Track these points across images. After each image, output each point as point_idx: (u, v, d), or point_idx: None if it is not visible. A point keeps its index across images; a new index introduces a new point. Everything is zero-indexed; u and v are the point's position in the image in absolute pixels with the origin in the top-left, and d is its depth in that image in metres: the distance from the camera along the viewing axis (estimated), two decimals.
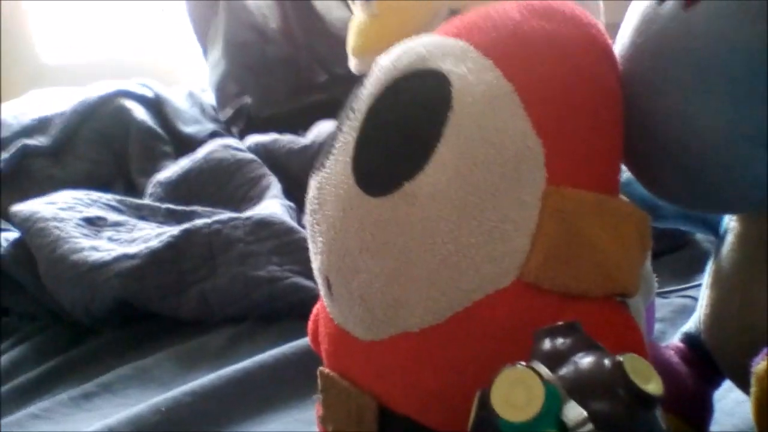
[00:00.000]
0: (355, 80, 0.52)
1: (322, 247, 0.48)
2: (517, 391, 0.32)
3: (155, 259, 0.93)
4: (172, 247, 0.94)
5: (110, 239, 1.01)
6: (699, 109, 0.43)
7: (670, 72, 0.44)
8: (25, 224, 1.01)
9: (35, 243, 0.98)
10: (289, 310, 0.88)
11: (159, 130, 1.44)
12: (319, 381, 0.50)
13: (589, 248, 0.41)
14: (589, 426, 0.31)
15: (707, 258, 0.53)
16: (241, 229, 0.95)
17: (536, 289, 0.41)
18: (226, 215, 0.99)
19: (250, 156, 1.21)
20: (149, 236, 0.99)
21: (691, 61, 0.43)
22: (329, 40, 1.49)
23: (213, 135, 1.44)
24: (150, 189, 1.22)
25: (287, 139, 1.25)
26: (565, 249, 0.41)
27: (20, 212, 1.03)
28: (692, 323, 0.54)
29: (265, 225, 0.96)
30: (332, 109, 0.59)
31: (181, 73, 1.95)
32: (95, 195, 1.11)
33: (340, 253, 0.47)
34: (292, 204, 1.08)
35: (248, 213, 1.00)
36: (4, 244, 1.03)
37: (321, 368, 0.50)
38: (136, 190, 1.32)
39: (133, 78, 1.56)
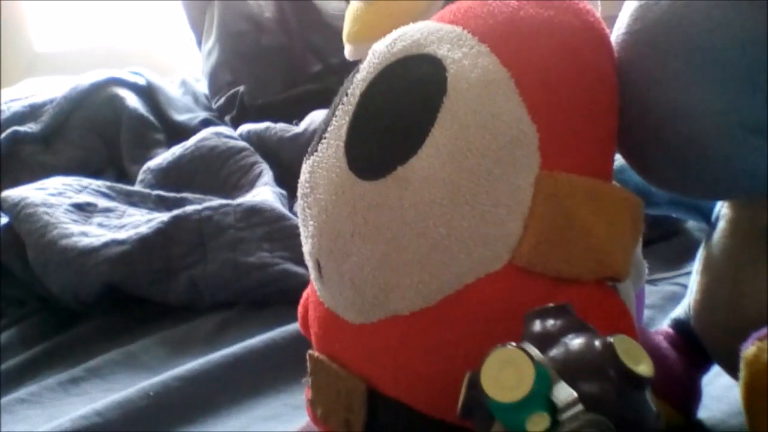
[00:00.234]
0: (350, 70, 0.52)
1: (313, 230, 0.48)
2: (507, 372, 0.32)
3: (145, 244, 0.92)
4: (161, 232, 0.94)
5: (100, 225, 1.00)
6: (693, 96, 0.43)
7: (665, 59, 0.44)
8: (14, 209, 1.00)
9: (24, 228, 0.97)
10: (279, 296, 0.88)
11: (151, 118, 1.43)
12: (308, 364, 0.50)
13: (582, 232, 0.41)
14: (579, 407, 0.31)
15: (698, 246, 0.53)
16: (232, 215, 0.95)
17: (528, 272, 0.41)
18: (216, 202, 0.99)
19: (242, 144, 1.21)
20: (139, 222, 0.98)
21: (687, 49, 0.43)
22: (324, 30, 1.49)
23: (205, 123, 1.43)
24: (141, 176, 1.21)
25: (279, 127, 1.25)
26: (557, 233, 0.41)
27: (9, 197, 1.03)
28: (682, 309, 0.55)
29: (255, 212, 0.96)
30: (326, 98, 0.59)
31: (175, 62, 1.95)
32: (85, 181, 1.11)
33: (332, 236, 0.46)
34: (283, 191, 1.08)
35: (239, 200, 1.00)
36: None
37: (310, 351, 0.50)
38: (127, 178, 1.32)
39: (128, 67, 1.55)
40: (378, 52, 0.49)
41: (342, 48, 0.69)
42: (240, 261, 0.90)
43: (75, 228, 0.97)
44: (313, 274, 0.50)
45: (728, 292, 0.48)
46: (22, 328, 0.96)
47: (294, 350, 0.68)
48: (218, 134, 1.24)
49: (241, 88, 1.47)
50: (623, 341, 0.32)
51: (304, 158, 0.51)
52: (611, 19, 0.49)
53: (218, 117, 1.49)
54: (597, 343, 0.32)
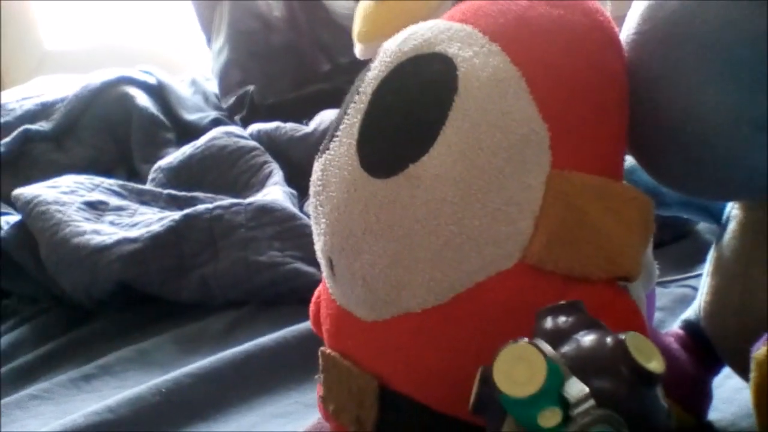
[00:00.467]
0: (359, 70, 0.52)
1: (326, 228, 0.49)
2: (519, 368, 0.32)
3: (156, 243, 0.93)
4: (173, 231, 0.94)
5: (112, 223, 1.01)
6: (704, 95, 0.43)
7: (675, 58, 0.44)
8: (27, 207, 1.01)
9: (37, 226, 0.98)
10: (289, 295, 0.88)
11: (161, 117, 1.44)
12: (320, 361, 0.51)
13: (593, 231, 0.41)
14: (591, 402, 0.31)
15: (708, 248, 0.53)
16: (243, 214, 0.95)
17: (539, 271, 0.41)
18: (227, 201, 0.99)
19: (253, 143, 1.21)
20: (150, 221, 0.99)
21: (697, 48, 0.43)
22: (333, 29, 1.49)
23: (215, 122, 1.44)
24: (152, 175, 1.22)
25: (289, 126, 1.25)
26: (568, 232, 0.41)
27: (22, 195, 1.03)
28: (692, 311, 0.55)
29: (266, 211, 0.96)
30: (335, 98, 0.59)
31: (185, 61, 1.95)
32: (97, 180, 1.11)
33: (344, 234, 0.47)
34: (293, 191, 1.08)
35: (250, 199, 1.01)
36: (5, 227, 1.03)
37: (322, 348, 0.51)
38: (138, 177, 1.33)
39: (137, 65, 1.56)
40: (389, 51, 0.49)
41: (351, 47, 0.69)
42: (251, 260, 0.90)
43: (87, 226, 0.97)
44: (325, 272, 0.51)
45: (739, 294, 0.48)
46: (34, 325, 0.97)
47: (305, 348, 0.69)
48: (229, 134, 1.24)
49: (251, 88, 1.48)
50: (635, 338, 0.32)
51: (316, 156, 0.51)
52: (620, 20, 0.49)
53: (228, 116, 1.49)
54: (609, 339, 0.33)
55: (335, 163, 0.49)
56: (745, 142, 0.43)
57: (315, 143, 1.19)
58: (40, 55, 2.13)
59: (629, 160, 0.50)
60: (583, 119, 0.43)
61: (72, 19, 2.18)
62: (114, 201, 1.07)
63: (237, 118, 1.48)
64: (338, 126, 0.50)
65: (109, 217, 1.03)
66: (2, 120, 1.43)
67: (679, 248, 0.85)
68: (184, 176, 1.19)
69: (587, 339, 0.33)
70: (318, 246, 0.51)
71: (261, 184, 1.12)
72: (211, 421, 0.67)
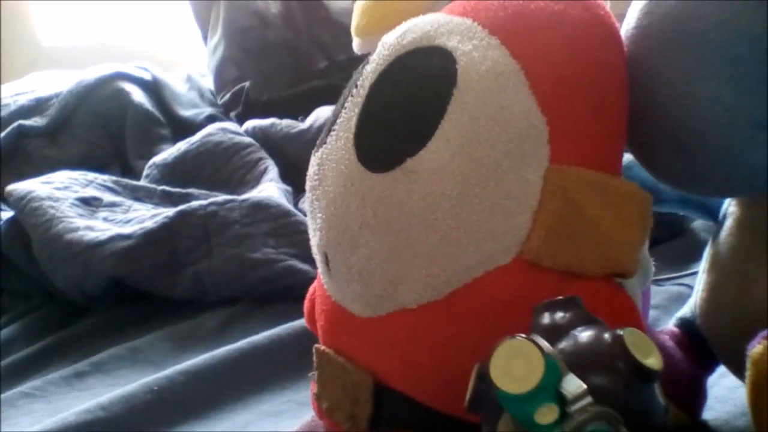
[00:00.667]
0: (356, 67, 0.52)
1: (322, 222, 0.48)
2: (516, 363, 0.32)
3: (150, 239, 0.92)
4: (167, 227, 0.94)
5: (105, 219, 1.00)
6: (702, 92, 0.43)
7: (674, 55, 0.44)
8: (20, 203, 1.00)
9: (30, 222, 0.97)
10: (283, 292, 0.88)
11: (156, 113, 1.43)
12: (314, 358, 0.50)
13: (591, 227, 0.41)
14: (588, 399, 0.31)
15: (704, 247, 0.53)
16: (237, 211, 0.95)
17: (536, 266, 0.41)
18: (222, 197, 0.99)
19: (248, 140, 1.21)
20: (144, 217, 0.99)
21: (696, 45, 0.43)
22: (330, 26, 1.49)
23: (211, 119, 1.43)
24: (146, 171, 1.22)
25: (285, 123, 1.25)
26: (566, 227, 0.41)
27: (15, 191, 1.03)
28: (688, 308, 0.54)
29: (261, 208, 0.96)
30: (332, 95, 0.59)
31: (181, 57, 1.95)
32: (91, 175, 1.11)
33: (340, 228, 0.46)
34: (288, 188, 1.08)
35: (245, 196, 1.00)
36: None
37: (317, 345, 0.50)
38: (132, 173, 1.32)
39: (133, 62, 1.55)
40: (388, 44, 0.49)
41: (348, 44, 0.69)
42: (245, 257, 0.90)
43: (80, 222, 0.97)
44: (320, 267, 0.50)
45: (735, 291, 0.48)
46: (26, 322, 0.96)
47: (299, 346, 0.68)
48: (224, 130, 1.24)
49: (247, 84, 1.47)
50: (632, 334, 0.32)
51: (313, 151, 0.51)
52: (621, 18, 0.49)
53: (224, 113, 1.49)
54: (606, 335, 0.32)
55: (332, 157, 0.48)
56: (742, 140, 0.42)
57: (310, 140, 1.19)
58: (36, 51, 2.12)
59: (627, 156, 0.50)
60: (582, 114, 0.43)
61: (68, 15, 2.17)
62: (108, 197, 1.06)
63: (232, 114, 1.47)
64: (335, 120, 0.49)
65: (103, 213, 1.02)
66: None
67: (674, 246, 0.85)
68: (179, 172, 1.19)
69: (585, 335, 0.33)
70: (314, 241, 0.50)
71: (256, 181, 1.11)
72: (204, 420, 0.67)
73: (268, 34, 1.51)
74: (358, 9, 0.69)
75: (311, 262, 0.52)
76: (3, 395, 0.76)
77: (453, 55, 0.44)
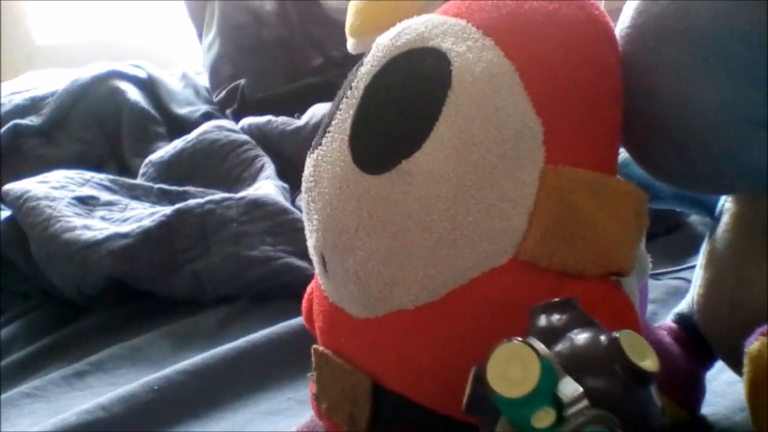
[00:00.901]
0: (351, 64, 0.52)
1: (318, 224, 0.48)
2: (512, 367, 0.32)
3: (148, 238, 0.92)
4: (164, 226, 0.94)
5: (102, 218, 1.00)
6: (698, 90, 0.43)
7: (669, 53, 0.44)
8: (17, 203, 1.00)
9: (27, 222, 0.97)
10: (281, 290, 0.88)
11: (152, 111, 1.43)
12: (313, 359, 0.50)
13: (587, 227, 0.41)
14: (585, 402, 0.31)
15: (701, 240, 0.53)
16: (235, 209, 0.95)
17: (533, 267, 0.41)
18: (219, 195, 0.99)
19: (244, 137, 1.21)
20: (142, 216, 0.98)
21: (691, 43, 0.43)
22: (325, 23, 1.49)
23: (206, 116, 1.43)
24: (143, 169, 1.21)
25: (281, 120, 1.24)
26: (562, 227, 0.41)
27: (12, 191, 1.03)
28: (685, 304, 0.55)
29: (258, 205, 0.96)
30: (327, 92, 0.59)
31: (177, 55, 1.94)
32: (88, 174, 1.11)
33: (336, 230, 0.46)
34: (285, 185, 1.08)
35: (242, 193, 1.00)
36: None
37: (315, 346, 0.50)
38: (128, 171, 1.32)
39: (129, 60, 1.55)
40: (382, 45, 0.49)
41: (343, 41, 0.69)
42: (243, 255, 0.90)
43: (78, 221, 0.97)
44: (317, 269, 0.50)
45: (732, 287, 0.48)
46: (25, 321, 0.96)
47: (297, 345, 0.68)
48: (220, 127, 1.23)
49: (242, 82, 1.47)
50: (629, 336, 0.32)
51: (308, 152, 0.51)
52: (617, 12, 0.49)
53: (219, 110, 1.49)
54: (602, 338, 0.32)
55: (327, 159, 0.48)
56: (738, 138, 0.42)
57: (307, 137, 1.19)
58: (31, 49, 2.11)
59: (622, 154, 0.50)
60: (577, 114, 0.43)
61: (63, 13, 2.17)
62: (105, 196, 1.06)
63: (228, 111, 1.47)
64: (330, 121, 0.49)
65: (100, 212, 1.02)
66: None
67: (671, 240, 0.85)
68: (175, 170, 1.18)
69: (581, 337, 0.33)
70: (310, 243, 0.50)
71: (252, 178, 1.11)
72: (204, 419, 0.67)
73: (263, 32, 1.50)
74: (352, 9, 0.69)
75: (309, 259, 0.52)
76: (3, 395, 0.76)
77: (447, 57, 0.44)
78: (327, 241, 0.47)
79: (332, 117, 0.49)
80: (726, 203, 0.50)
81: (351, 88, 0.49)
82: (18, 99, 1.46)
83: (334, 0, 1.51)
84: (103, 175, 1.12)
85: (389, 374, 0.45)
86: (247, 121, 1.28)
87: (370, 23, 0.68)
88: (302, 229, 0.52)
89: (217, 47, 1.54)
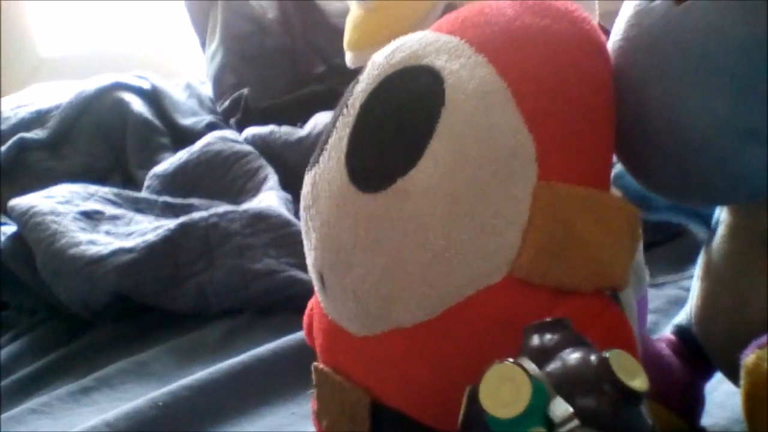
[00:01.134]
0: (353, 72, 0.52)
1: (316, 242, 0.49)
2: (504, 388, 0.32)
3: (152, 252, 0.93)
4: (168, 240, 0.94)
5: (107, 233, 1.01)
6: (690, 102, 0.43)
7: (662, 66, 0.44)
8: (23, 218, 1.01)
9: (33, 237, 0.98)
10: (285, 302, 0.88)
11: (156, 122, 1.44)
12: (313, 376, 0.51)
13: (580, 243, 0.41)
14: (575, 422, 0.31)
15: (701, 249, 0.53)
16: (238, 222, 0.96)
17: (527, 284, 0.41)
18: (222, 208, 0.99)
19: (248, 148, 1.21)
20: (146, 229, 0.99)
21: (683, 56, 0.43)
22: (327, 31, 1.49)
23: (210, 127, 1.43)
24: (147, 182, 1.22)
25: (284, 130, 1.25)
26: (555, 244, 0.41)
27: (17, 206, 1.04)
28: (684, 315, 0.55)
29: (261, 218, 0.96)
30: (330, 100, 0.59)
31: (180, 65, 1.95)
32: (92, 188, 1.12)
33: (334, 248, 0.47)
34: (288, 196, 1.08)
35: (245, 206, 1.01)
36: (2, 238, 1.03)
37: (315, 363, 0.51)
38: (133, 182, 1.33)
39: (133, 71, 1.55)
40: (377, 63, 0.49)
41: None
42: (247, 268, 0.90)
43: (83, 236, 0.97)
44: (316, 286, 0.51)
45: (729, 299, 0.48)
46: (32, 337, 0.97)
47: (301, 359, 0.68)
48: (224, 138, 1.24)
49: (245, 91, 1.48)
50: (619, 356, 0.32)
51: (306, 169, 0.51)
52: (612, 15, 0.49)
53: (223, 120, 1.49)
54: (593, 358, 0.33)
55: (324, 177, 0.49)
56: (730, 151, 0.43)
57: (310, 147, 1.19)
58: (35, 61, 2.12)
59: (617, 165, 0.50)
60: (569, 130, 0.43)
61: (67, 25, 2.18)
62: (109, 210, 1.07)
63: (232, 121, 1.48)
64: (327, 139, 0.50)
65: (105, 227, 1.03)
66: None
67: (672, 249, 0.85)
68: (180, 182, 1.19)
69: (572, 357, 0.33)
70: (309, 260, 0.51)
71: (256, 189, 1.12)
72: None
73: (266, 40, 1.51)
74: (349, 24, 0.69)
75: None
76: (11, 412, 0.77)
77: (441, 74, 0.45)
78: (325, 260, 0.48)
79: (329, 135, 0.50)
80: (721, 214, 0.50)
81: (347, 106, 0.49)
82: (23, 112, 1.47)
83: (336, 1, 1.51)
84: (107, 189, 1.13)
85: (388, 391, 0.45)
86: (251, 131, 1.28)
87: (368, 38, 0.68)
88: None
89: (220, 57, 1.55)
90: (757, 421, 0.41)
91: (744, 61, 0.41)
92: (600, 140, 0.45)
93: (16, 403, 0.79)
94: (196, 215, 0.98)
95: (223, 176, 1.18)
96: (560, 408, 0.31)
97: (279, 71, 1.50)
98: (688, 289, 0.55)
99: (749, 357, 0.42)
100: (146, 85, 1.50)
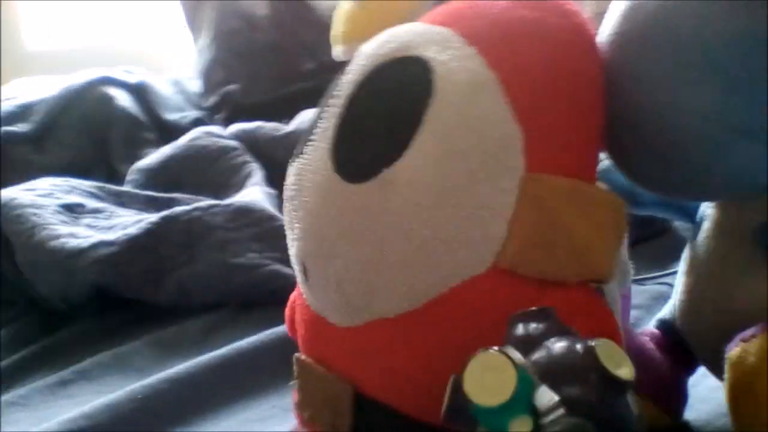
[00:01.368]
0: (343, 69, 0.52)
1: (300, 233, 0.48)
2: (489, 376, 0.32)
3: (133, 245, 0.92)
4: (150, 233, 0.93)
5: (89, 226, 1.00)
6: (680, 97, 0.43)
7: (652, 60, 0.44)
8: (2, 210, 1.00)
9: (12, 229, 0.97)
10: (268, 297, 0.87)
11: (142, 117, 1.43)
12: (294, 367, 0.50)
13: (566, 234, 0.41)
14: (561, 411, 0.31)
15: (684, 246, 0.53)
16: (221, 216, 0.95)
17: (512, 275, 0.41)
18: (205, 202, 0.99)
19: (233, 143, 1.21)
20: (128, 223, 0.98)
21: (674, 51, 0.43)
22: (317, 28, 1.49)
23: (196, 122, 1.43)
24: (130, 176, 1.21)
25: (270, 126, 1.24)
26: (541, 235, 0.41)
27: None
28: (668, 310, 0.55)
29: (245, 212, 0.95)
30: (319, 97, 0.59)
31: (169, 60, 1.94)
32: (74, 182, 1.10)
33: (317, 239, 0.46)
34: (274, 191, 1.07)
35: (228, 200, 1.00)
36: None
37: (296, 354, 0.50)
38: (117, 177, 1.31)
39: (120, 65, 1.54)
40: (365, 54, 0.49)
41: None
42: (229, 262, 0.90)
43: (63, 229, 0.96)
44: (299, 277, 0.50)
45: (713, 293, 0.48)
46: (10, 329, 0.95)
47: (283, 352, 0.67)
48: (209, 133, 1.23)
49: (233, 87, 1.47)
50: (605, 345, 0.32)
51: (290, 160, 0.51)
52: (602, 17, 0.49)
53: (210, 116, 1.49)
54: (578, 346, 0.33)
55: (309, 168, 0.48)
56: (719, 146, 0.43)
57: (296, 143, 1.19)
58: (22, 55, 2.10)
59: (604, 160, 0.50)
60: (557, 123, 0.43)
61: (55, 19, 2.16)
62: (91, 203, 1.06)
63: (218, 117, 1.47)
64: (313, 130, 0.49)
65: (86, 220, 1.01)
66: None
67: (655, 246, 0.85)
68: (163, 177, 1.18)
69: (557, 346, 0.33)
70: (292, 251, 0.50)
71: (241, 184, 1.11)
72: (188, 426, 0.66)
73: (256, 37, 1.51)
74: (338, 16, 0.68)
75: None
76: None
77: (430, 65, 0.44)
78: (308, 250, 0.47)
79: (315, 126, 0.49)
80: (707, 209, 0.50)
81: (334, 97, 0.49)
82: (8, 106, 1.46)
83: (326, 0, 1.51)
84: (89, 183, 1.12)
85: (371, 383, 0.45)
86: (236, 127, 1.28)
87: (358, 31, 0.68)
88: None
89: (209, 52, 1.54)
90: (741, 414, 0.41)
91: (735, 56, 0.41)
92: (588, 134, 0.45)
93: None
94: (178, 209, 0.97)
95: (207, 171, 1.17)
96: (546, 396, 0.31)
97: (268, 67, 1.50)
98: (671, 285, 0.56)
99: (733, 350, 0.42)
100: (132, 80, 1.49)
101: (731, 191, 0.46)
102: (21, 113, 1.43)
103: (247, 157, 1.18)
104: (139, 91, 1.48)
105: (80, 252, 0.92)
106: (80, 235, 0.95)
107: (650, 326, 0.56)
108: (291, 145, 1.16)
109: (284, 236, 0.51)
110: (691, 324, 0.50)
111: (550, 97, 0.43)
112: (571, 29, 0.46)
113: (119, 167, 1.34)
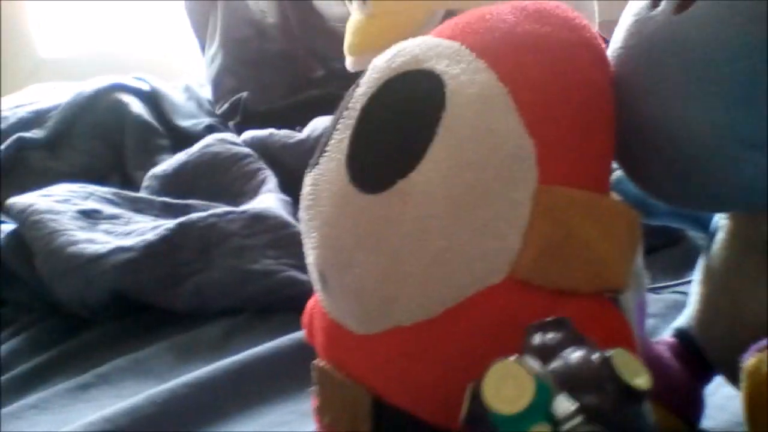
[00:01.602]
0: (353, 76, 0.53)
1: (317, 242, 0.49)
2: (507, 385, 0.33)
3: (150, 251, 0.93)
4: (167, 240, 0.94)
5: (106, 232, 1.01)
6: (689, 111, 0.43)
7: (661, 75, 0.44)
8: (21, 216, 1.01)
9: (31, 235, 0.98)
10: (284, 303, 0.88)
11: (155, 123, 1.44)
12: (313, 374, 0.51)
13: (580, 246, 0.42)
14: (579, 419, 0.31)
15: (699, 254, 0.53)
16: (237, 222, 0.96)
17: (527, 286, 0.42)
18: (221, 209, 1.00)
19: (246, 150, 1.21)
20: (145, 229, 0.99)
21: (683, 65, 0.43)
22: (327, 35, 1.50)
23: (209, 129, 1.44)
24: (146, 182, 1.22)
25: (283, 133, 1.25)
26: (556, 246, 0.42)
27: (16, 204, 1.03)
28: (684, 319, 0.55)
29: (260, 219, 0.96)
30: (329, 104, 0.60)
31: (180, 67, 1.96)
32: (91, 188, 1.11)
33: (335, 248, 0.47)
34: (288, 198, 1.08)
35: (244, 207, 1.01)
36: (1, 236, 1.03)
37: (315, 361, 0.51)
38: (131, 184, 1.33)
39: (132, 72, 1.56)
40: (378, 67, 0.50)
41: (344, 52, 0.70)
42: (245, 268, 0.91)
43: (81, 235, 0.97)
44: (317, 285, 0.51)
45: (728, 304, 0.48)
46: (30, 334, 0.97)
47: (301, 357, 0.68)
48: (222, 140, 1.24)
49: (244, 95, 1.48)
50: (621, 355, 0.33)
51: (306, 170, 0.52)
52: (611, 24, 0.50)
53: (222, 123, 1.49)
54: (595, 356, 0.33)
55: (325, 178, 0.49)
56: (730, 159, 0.43)
57: (308, 150, 1.20)
58: (35, 62, 2.12)
59: (617, 171, 0.50)
60: (569, 135, 0.44)
61: (67, 26, 2.18)
62: (108, 209, 1.07)
63: (231, 124, 1.48)
64: (328, 141, 0.50)
65: (104, 226, 1.03)
66: None
67: (670, 254, 0.85)
68: (178, 183, 1.19)
69: (574, 356, 0.34)
70: (310, 260, 0.51)
71: (255, 192, 1.12)
72: (209, 431, 0.67)
73: (265, 45, 1.51)
74: (350, 28, 0.70)
75: None
76: (10, 407, 0.77)
77: (441, 79, 0.45)
78: (326, 259, 0.48)
79: (330, 136, 0.50)
80: (721, 220, 0.51)
81: (348, 109, 0.50)
82: (22, 112, 1.47)
83: (335, 7, 1.52)
84: (106, 189, 1.13)
85: (389, 389, 0.46)
86: (249, 134, 1.29)
87: (368, 43, 0.69)
88: None
89: (219, 60, 1.55)
90: (757, 424, 0.42)
91: (743, 69, 0.42)
92: (600, 145, 0.45)
93: (15, 399, 0.79)
94: (194, 215, 0.98)
95: (221, 178, 1.18)
96: (564, 404, 0.32)
97: (278, 75, 1.51)
98: (686, 294, 0.56)
99: (749, 360, 0.42)
100: (145, 87, 1.50)
101: (743, 203, 0.47)
102: (35, 119, 1.45)
103: (261, 164, 1.19)
104: (151, 98, 1.49)
105: (98, 258, 0.93)
106: (98, 240, 0.96)
107: (666, 335, 0.57)
108: (303, 151, 1.19)
109: (300, 243, 0.52)
110: (707, 333, 0.51)
111: (561, 110, 0.44)
112: (581, 43, 0.46)
113: (134, 173, 1.36)
